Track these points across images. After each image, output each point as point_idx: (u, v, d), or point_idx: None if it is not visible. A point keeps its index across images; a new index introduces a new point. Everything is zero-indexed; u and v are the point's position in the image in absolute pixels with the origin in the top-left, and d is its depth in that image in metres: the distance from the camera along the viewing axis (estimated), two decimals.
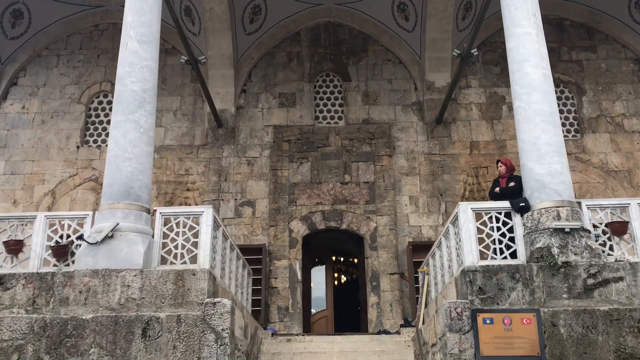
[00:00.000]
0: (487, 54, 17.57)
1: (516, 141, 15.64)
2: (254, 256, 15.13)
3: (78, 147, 16.83)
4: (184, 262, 8.43)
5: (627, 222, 8.49)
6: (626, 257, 8.22)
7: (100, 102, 17.45)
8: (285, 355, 10.93)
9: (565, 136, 15.79)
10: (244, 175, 16.41)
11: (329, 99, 17.40)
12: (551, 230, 8.20)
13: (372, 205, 15.90)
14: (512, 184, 9.34)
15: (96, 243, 8.11)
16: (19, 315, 7.75)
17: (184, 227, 8.62)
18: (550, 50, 15.89)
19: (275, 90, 17.27)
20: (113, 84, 16.93)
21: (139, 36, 9.33)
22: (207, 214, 8.59)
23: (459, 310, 7.71)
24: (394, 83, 17.32)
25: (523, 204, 8.59)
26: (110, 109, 16.38)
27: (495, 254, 8.46)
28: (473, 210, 8.67)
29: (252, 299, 14.08)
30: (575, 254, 8.11)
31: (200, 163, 16.58)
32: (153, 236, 8.56)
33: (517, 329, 7.60)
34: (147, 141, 8.96)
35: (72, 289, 7.96)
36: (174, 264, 8.43)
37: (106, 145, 16.31)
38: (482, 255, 8.46)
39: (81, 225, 8.65)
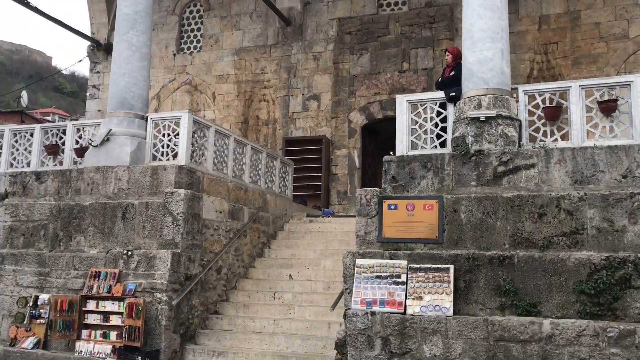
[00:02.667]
0: None
1: (593, 10, 14.56)
2: (315, 146, 16.47)
3: (174, 55, 19.16)
4: (168, 159, 10.17)
5: (560, 107, 8.11)
6: (551, 144, 8.00)
7: (191, 12, 19.37)
8: (298, 232, 12.47)
9: None
10: (310, 71, 17.41)
11: None
12: (469, 119, 8.25)
13: (429, 91, 15.95)
14: (452, 73, 9.24)
15: (97, 145, 10.17)
16: (45, 202, 10.30)
17: (169, 129, 10.27)
18: None
19: None
20: None
21: None
22: (184, 118, 10.10)
23: (368, 197, 8.41)
24: None
25: (453, 94, 8.62)
26: (200, 17, 18.40)
27: (426, 144, 8.78)
28: (409, 102, 8.94)
29: (313, 184, 15.65)
30: (489, 142, 8.12)
31: (272, 61, 17.92)
32: (145, 138, 10.37)
33: (419, 214, 8.11)
34: (140, 57, 10.57)
35: (82, 182, 10.24)
36: (161, 160, 10.23)
37: (197, 51, 18.53)
38: (415, 146, 8.83)
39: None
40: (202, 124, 10.58)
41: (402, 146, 8.79)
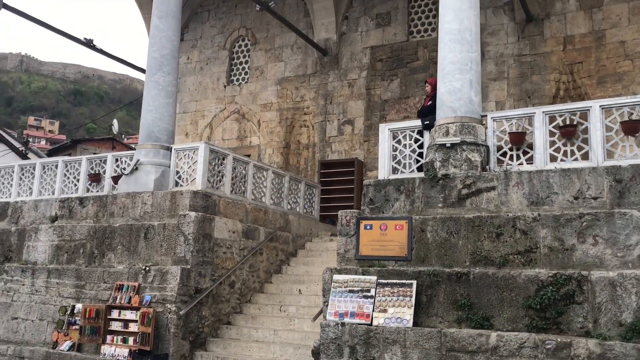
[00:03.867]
0: None
1: (618, 29, 14.75)
2: (348, 169, 17.36)
3: (225, 86, 20.76)
4: (188, 185, 11.46)
5: (524, 133, 8.60)
6: (514, 168, 8.50)
7: (239, 46, 20.95)
8: (317, 250, 13.38)
9: None
10: (345, 97, 18.39)
11: (423, 11, 17.92)
12: (437, 145, 8.91)
13: None
14: (429, 102, 9.88)
15: (128, 174, 11.64)
16: (85, 223, 11.85)
17: (189, 158, 11.57)
18: None
19: (373, 11, 18.45)
20: (248, 29, 20.44)
21: (158, 12, 12.19)
22: (201, 148, 11.36)
23: (347, 218, 9.23)
24: None
25: (427, 122, 9.31)
26: (247, 51, 19.93)
27: (405, 169, 9.50)
28: (390, 130, 9.71)
29: (347, 205, 16.48)
30: (455, 167, 8.73)
31: (311, 89, 19.06)
32: (170, 166, 11.73)
33: (391, 234, 8.84)
34: (166, 95, 11.98)
35: (116, 206, 11.72)
36: (182, 186, 11.53)
37: (245, 82, 20.05)
38: (395, 170, 9.58)
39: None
40: (220, 152, 11.80)
41: (383, 171, 9.56)
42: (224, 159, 11.85)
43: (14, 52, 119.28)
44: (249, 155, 20.05)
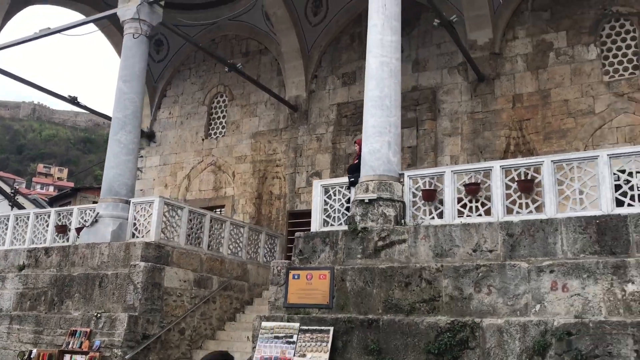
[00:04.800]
0: None
1: (562, 88, 15.72)
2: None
3: (203, 140, 21.78)
4: (143, 236, 12.26)
5: (435, 190, 9.41)
6: (426, 222, 9.27)
7: (218, 102, 22.07)
8: None
9: (621, 75, 15.10)
10: (314, 150, 19.32)
11: None
12: (357, 201, 9.72)
13: (413, 167, 17.31)
14: (356, 161, 10.73)
15: (89, 226, 12.48)
16: (48, 272, 12.63)
17: (145, 211, 12.42)
18: None
19: (340, 71, 19.57)
20: (226, 86, 21.61)
21: (123, 76, 13.27)
22: (156, 202, 12.22)
23: (279, 268, 9.97)
24: (442, 47, 18.03)
25: (352, 179, 10.15)
26: (225, 106, 21.03)
27: (334, 222, 10.28)
28: (322, 186, 10.55)
29: None
30: (372, 221, 9.51)
31: (283, 143, 20.03)
32: (127, 219, 12.56)
33: (316, 283, 9.55)
34: (127, 152, 12.93)
35: (77, 256, 12.51)
36: (138, 237, 12.33)
37: (222, 136, 21.07)
38: (326, 223, 10.36)
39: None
40: (175, 205, 12.64)
41: (315, 223, 10.34)
42: (179, 212, 12.66)
43: (27, 101, 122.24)
44: (223, 206, 21.01)
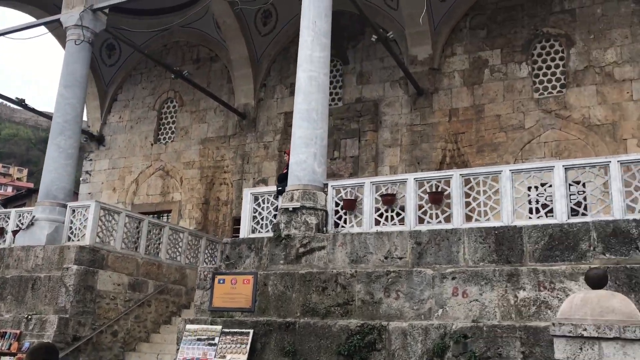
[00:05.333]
0: (475, 17, 17.69)
1: (495, 104, 16.39)
2: None
3: (152, 145, 21.93)
4: (79, 239, 12.45)
5: (355, 200, 9.90)
6: (345, 229, 9.76)
7: (168, 107, 22.26)
8: None
9: (550, 93, 15.89)
10: (261, 158, 19.70)
11: (331, 82, 19.46)
12: (282, 209, 10.15)
13: (355, 176, 17.85)
14: (285, 170, 11.18)
15: (25, 229, 12.60)
16: None
17: (82, 215, 12.60)
18: (541, 3, 16.09)
19: (288, 81, 20.00)
20: (176, 92, 21.81)
21: (64, 82, 13.45)
22: (92, 206, 12.43)
23: (205, 273, 10.32)
24: (385, 61, 18.63)
25: (280, 188, 10.58)
26: (175, 112, 21.23)
27: (262, 229, 10.68)
28: (252, 194, 10.94)
29: None
30: (295, 228, 9.96)
31: (231, 150, 20.35)
32: (64, 222, 12.73)
33: (240, 287, 9.93)
34: (65, 157, 13.10)
35: (12, 258, 12.62)
36: (74, 240, 12.51)
37: (171, 141, 21.26)
38: (255, 230, 10.75)
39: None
40: (112, 210, 12.86)
41: (244, 230, 10.73)
42: (116, 216, 12.89)
43: None
44: (170, 211, 21.21)
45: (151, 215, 20.87)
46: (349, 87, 18.96)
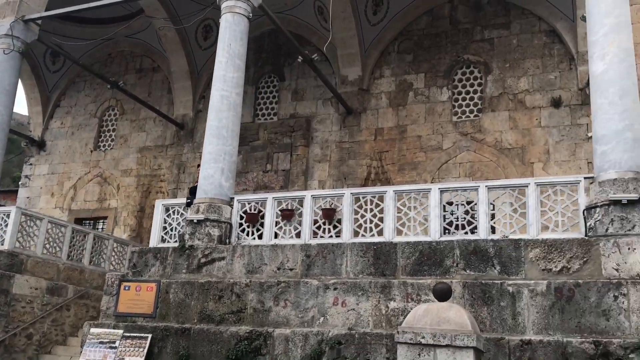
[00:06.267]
0: (404, 42, 18.61)
1: (417, 125, 17.22)
2: None
3: (91, 151, 22.23)
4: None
5: (257, 214, 10.56)
6: (251, 242, 10.39)
7: (109, 115, 22.60)
8: None
9: (467, 117, 16.84)
10: (196, 168, 20.16)
11: (268, 98, 20.22)
12: (188, 221, 10.75)
13: (285, 189, 18.53)
14: (196, 183, 11.79)
15: None
16: None
17: (2, 220, 12.94)
18: (464, 32, 17.06)
19: None
20: (118, 100, 22.16)
21: None
22: (13, 212, 12.79)
23: (112, 279, 10.81)
24: (318, 79, 19.34)
25: (189, 200, 11.17)
26: (116, 120, 21.56)
27: (171, 239, 11.24)
28: (163, 205, 11.50)
29: None
30: (199, 239, 10.55)
31: (168, 159, 20.81)
32: None
33: (144, 294, 10.46)
34: None
35: None
36: None
37: (110, 149, 21.59)
38: (164, 240, 11.30)
39: None
40: (34, 216, 13.24)
41: (154, 239, 11.26)
42: (38, 222, 13.26)
43: None
44: (106, 217, 21.52)
45: (87, 221, 21.26)
46: (284, 103, 19.67)
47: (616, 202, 7.97)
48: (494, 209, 9.58)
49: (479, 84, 17.35)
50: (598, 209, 8.19)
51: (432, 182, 16.26)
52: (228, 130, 11.16)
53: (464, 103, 17.32)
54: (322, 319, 9.11)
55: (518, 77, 16.87)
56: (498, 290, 8.19)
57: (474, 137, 16.85)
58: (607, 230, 8.02)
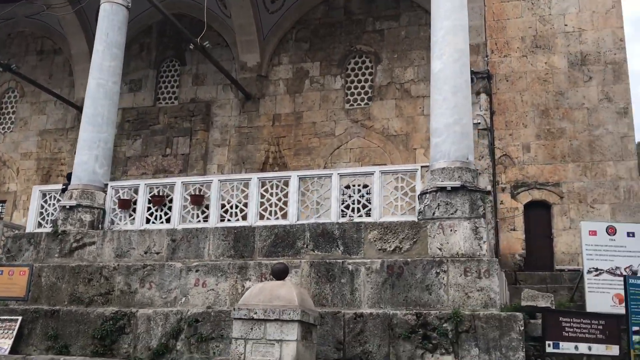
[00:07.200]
0: (301, 31, 19.13)
1: (312, 112, 17.76)
2: None
3: None
4: None
5: (130, 200, 10.95)
6: (124, 227, 10.78)
7: (9, 97, 22.12)
8: None
9: (358, 104, 17.57)
10: None
11: (169, 82, 20.36)
12: (61, 207, 11.02)
13: (184, 173, 18.85)
14: None
15: None
16: None
17: None
18: (357, 23, 17.68)
19: (127, 77, 20.47)
20: (18, 82, 21.69)
21: None
22: None
23: None
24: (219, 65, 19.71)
25: (64, 187, 11.42)
26: (16, 102, 21.13)
27: (47, 224, 11.46)
28: (40, 191, 11.69)
29: None
30: (71, 225, 10.86)
31: (68, 142, 20.64)
32: None
33: (16, 278, 10.70)
34: None
35: None
36: None
37: (10, 132, 21.18)
38: (40, 225, 11.50)
39: None
40: None
41: (30, 225, 11.47)
42: None
43: None
44: (4, 201, 21.22)
45: None
46: (185, 87, 19.91)
47: (442, 189, 8.87)
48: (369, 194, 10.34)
49: (370, 74, 18.15)
50: (428, 195, 9.08)
51: (325, 167, 17.07)
52: (104, 118, 11.44)
53: (355, 91, 18.08)
54: (184, 299, 9.67)
55: (405, 68, 17.77)
56: (340, 269, 8.97)
57: (364, 124, 17.67)
58: (434, 214, 8.92)
